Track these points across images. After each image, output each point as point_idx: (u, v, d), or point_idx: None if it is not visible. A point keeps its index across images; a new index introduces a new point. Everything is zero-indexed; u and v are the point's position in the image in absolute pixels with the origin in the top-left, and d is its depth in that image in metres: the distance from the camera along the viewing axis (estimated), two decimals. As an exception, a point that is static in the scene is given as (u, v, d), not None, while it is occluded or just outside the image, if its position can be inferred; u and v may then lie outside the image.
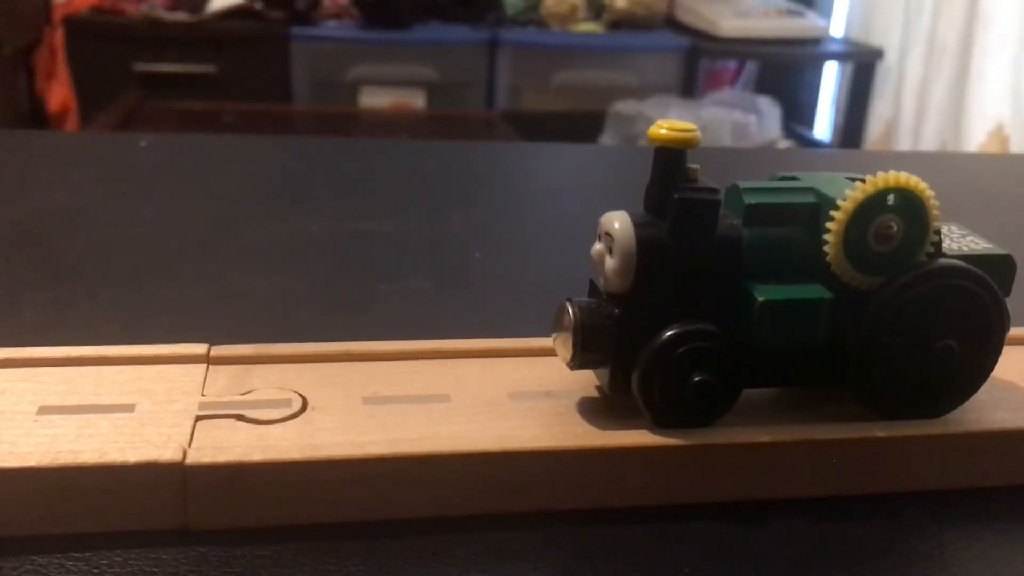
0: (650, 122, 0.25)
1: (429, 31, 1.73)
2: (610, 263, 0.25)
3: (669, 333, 0.25)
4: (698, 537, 0.24)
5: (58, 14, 1.58)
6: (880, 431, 0.26)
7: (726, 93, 1.86)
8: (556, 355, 0.26)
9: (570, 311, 0.25)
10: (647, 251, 0.24)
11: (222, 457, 0.23)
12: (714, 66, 1.97)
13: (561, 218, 0.49)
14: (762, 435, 0.25)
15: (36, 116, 1.56)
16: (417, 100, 1.71)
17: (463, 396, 0.27)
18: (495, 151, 0.75)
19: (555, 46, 1.76)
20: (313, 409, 0.26)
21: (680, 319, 0.25)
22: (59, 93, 1.57)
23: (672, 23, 1.85)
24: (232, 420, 0.25)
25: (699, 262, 0.25)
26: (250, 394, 0.27)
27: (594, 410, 0.27)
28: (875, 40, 1.82)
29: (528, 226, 0.49)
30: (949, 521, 0.26)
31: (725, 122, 1.67)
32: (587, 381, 0.28)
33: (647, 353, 0.25)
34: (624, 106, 1.65)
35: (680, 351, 0.25)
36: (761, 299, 0.24)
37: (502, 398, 0.27)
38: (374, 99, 1.69)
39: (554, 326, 0.26)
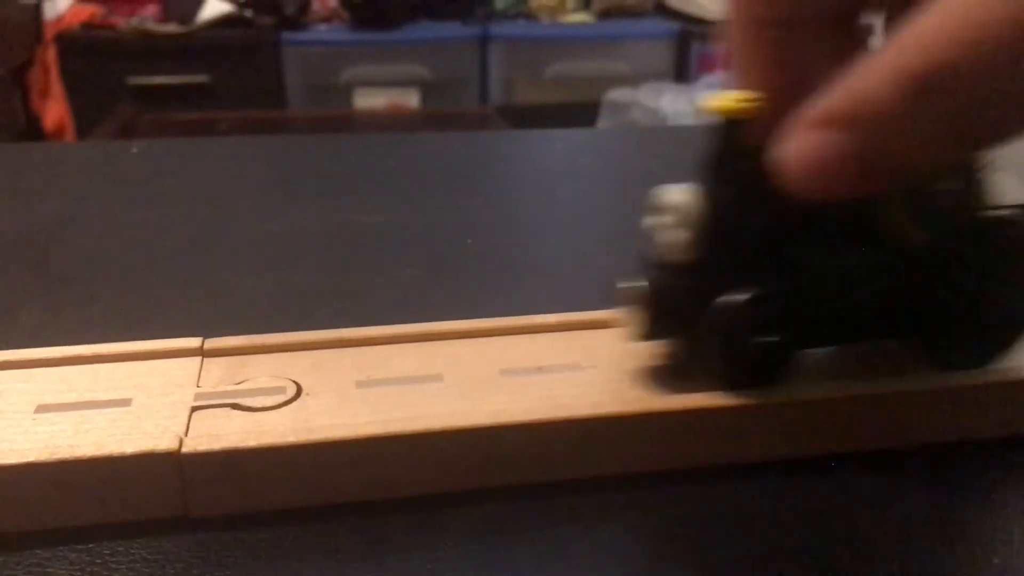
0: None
1: (419, 30, 1.73)
2: (677, 234, 0.25)
3: (739, 298, 0.25)
4: (686, 502, 0.25)
5: (50, 32, 1.59)
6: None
7: (720, 76, 1.86)
8: (545, 331, 0.26)
9: (640, 285, 0.26)
10: (716, 219, 0.25)
11: (218, 444, 0.23)
12: (707, 50, 1.97)
13: (553, 202, 0.49)
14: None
15: (33, 135, 1.57)
16: (411, 99, 1.71)
17: (455, 375, 0.27)
18: (486, 140, 0.75)
19: (546, 38, 1.77)
20: (307, 395, 0.26)
21: (748, 284, 0.25)
22: (54, 110, 1.58)
23: (662, 9, 1.85)
24: (227, 409, 0.26)
25: (764, 227, 0.25)
26: (244, 383, 0.27)
27: (587, 383, 0.27)
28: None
29: (520, 212, 0.49)
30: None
31: (720, 105, 1.67)
32: (578, 355, 0.28)
33: (718, 319, 0.25)
34: (618, 94, 1.65)
35: (751, 315, 0.25)
36: (823, 259, 0.25)
37: (494, 375, 0.27)
38: (368, 100, 1.70)
39: (621, 301, 0.26)
